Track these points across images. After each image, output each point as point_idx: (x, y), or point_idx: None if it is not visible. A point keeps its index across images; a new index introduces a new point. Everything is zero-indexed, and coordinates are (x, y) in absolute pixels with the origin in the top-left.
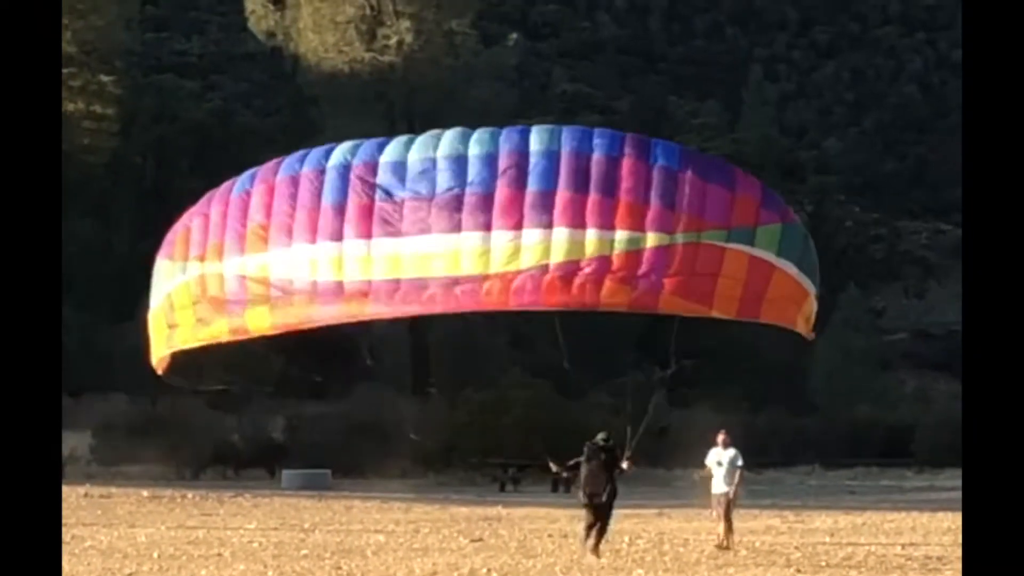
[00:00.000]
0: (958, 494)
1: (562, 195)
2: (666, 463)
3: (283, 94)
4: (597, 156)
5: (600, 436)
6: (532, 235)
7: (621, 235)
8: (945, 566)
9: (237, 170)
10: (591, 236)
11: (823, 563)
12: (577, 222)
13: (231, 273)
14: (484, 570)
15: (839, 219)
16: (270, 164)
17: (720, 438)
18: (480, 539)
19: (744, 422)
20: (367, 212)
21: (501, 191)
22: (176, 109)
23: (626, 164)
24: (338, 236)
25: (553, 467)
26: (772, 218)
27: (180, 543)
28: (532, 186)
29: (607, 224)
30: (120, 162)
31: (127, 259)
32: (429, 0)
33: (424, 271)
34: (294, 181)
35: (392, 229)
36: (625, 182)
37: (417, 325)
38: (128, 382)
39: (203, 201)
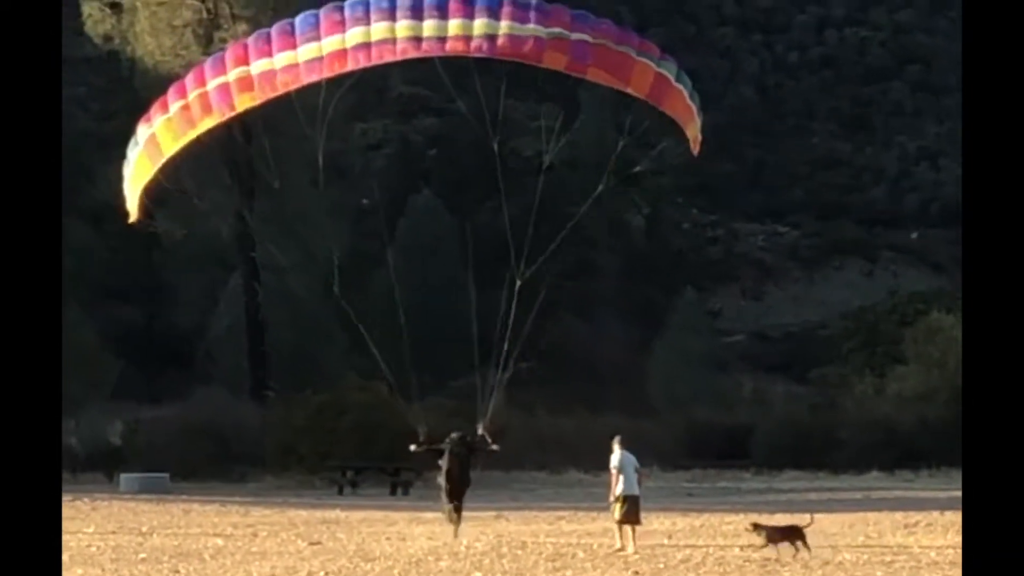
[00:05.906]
0: (795, 495)
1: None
2: (504, 466)
3: (121, 97)
4: None
5: (456, 434)
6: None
7: (557, 30)
8: (783, 567)
9: (75, 174)
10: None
11: (661, 565)
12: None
13: (214, 87)
14: (322, 573)
15: (675, 221)
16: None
17: (616, 444)
18: (318, 542)
19: (582, 425)
20: (338, 23)
21: None
22: None
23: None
24: (317, 39)
25: (416, 447)
26: (671, 60)
27: None
28: None
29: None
30: None
31: None
32: (265, 3)
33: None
34: (267, 33)
35: (358, 22)
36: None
37: (255, 328)
38: None
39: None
